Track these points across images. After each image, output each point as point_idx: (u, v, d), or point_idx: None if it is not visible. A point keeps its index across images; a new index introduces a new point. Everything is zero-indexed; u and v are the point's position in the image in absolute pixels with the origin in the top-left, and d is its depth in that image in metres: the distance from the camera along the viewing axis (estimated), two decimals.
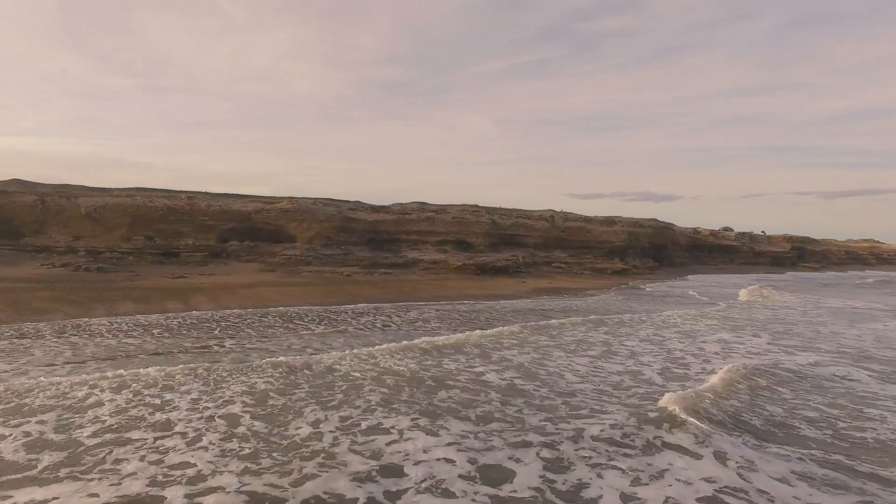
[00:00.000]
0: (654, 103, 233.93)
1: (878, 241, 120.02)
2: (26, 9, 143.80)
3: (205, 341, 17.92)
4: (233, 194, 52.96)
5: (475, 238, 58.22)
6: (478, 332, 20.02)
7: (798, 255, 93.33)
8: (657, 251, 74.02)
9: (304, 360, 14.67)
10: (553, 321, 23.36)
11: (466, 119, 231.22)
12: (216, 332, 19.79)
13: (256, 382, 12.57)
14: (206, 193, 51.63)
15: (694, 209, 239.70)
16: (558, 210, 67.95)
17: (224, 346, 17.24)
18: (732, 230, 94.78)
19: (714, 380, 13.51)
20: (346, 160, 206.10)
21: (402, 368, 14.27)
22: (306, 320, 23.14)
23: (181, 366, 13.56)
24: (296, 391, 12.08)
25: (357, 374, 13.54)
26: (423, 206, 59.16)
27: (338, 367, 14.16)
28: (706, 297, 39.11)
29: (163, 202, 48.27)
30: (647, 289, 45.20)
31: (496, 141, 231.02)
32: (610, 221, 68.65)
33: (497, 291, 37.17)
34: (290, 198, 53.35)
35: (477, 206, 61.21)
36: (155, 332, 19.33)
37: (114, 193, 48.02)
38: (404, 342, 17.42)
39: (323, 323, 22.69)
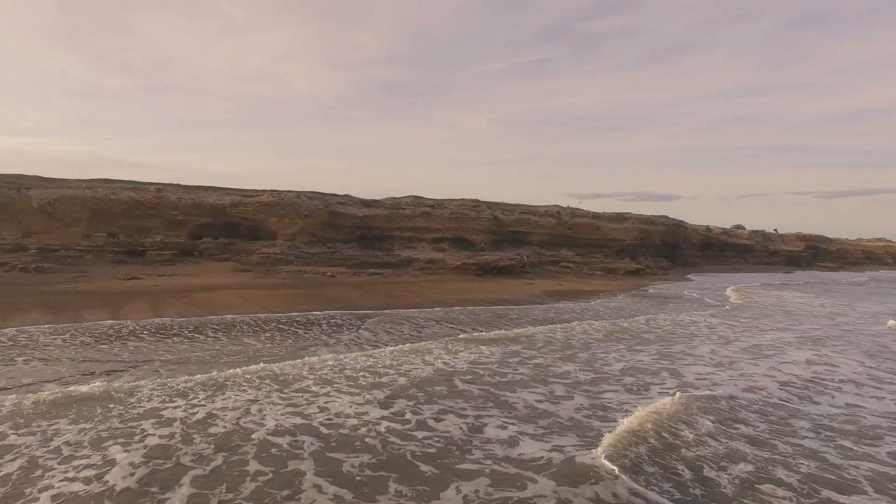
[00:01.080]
0: (653, 103, 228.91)
1: (890, 241, 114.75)
2: (26, 8, 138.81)
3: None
4: (208, 187, 47.55)
5: (475, 235, 52.81)
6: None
7: (813, 254, 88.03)
8: (669, 250, 68.62)
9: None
10: (591, 342, 17.94)
11: (466, 119, 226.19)
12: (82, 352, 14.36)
13: None
14: (177, 186, 46.19)
15: (693, 209, 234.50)
16: (564, 206, 62.51)
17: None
18: (744, 228, 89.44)
19: None
20: (346, 160, 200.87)
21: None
22: (249, 333, 17.81)
23: None
24: None
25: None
26: (418, 201, 53.75)
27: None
28: (739, 301, 33.73)
29: (128, 195, 42.79)
30: (668, 291, 39.78)
31: (496, 141, 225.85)
32: (620, 218, 63.27)
33: (502, 295, 31.75)
34: (272, 190, 47.92)
35: (477, 200, 55.81)
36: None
37: (72, 185, 42.51)
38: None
39: (265, 335, 17.30)
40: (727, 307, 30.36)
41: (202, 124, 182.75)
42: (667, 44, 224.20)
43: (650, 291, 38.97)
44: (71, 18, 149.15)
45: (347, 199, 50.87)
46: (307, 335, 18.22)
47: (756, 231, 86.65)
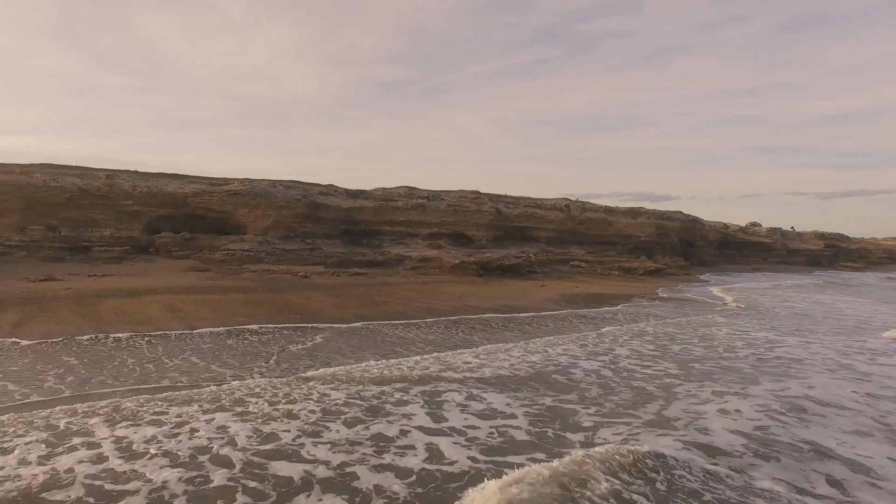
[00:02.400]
0: (649, 104, 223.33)
1: None
2: (23, 6, 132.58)
3: None
4: (169, 174, 40.99)
5: (476, 230, 46.32)
6: None
7: (834, 253, 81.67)
8: (685, 248, 62.24)
9: None
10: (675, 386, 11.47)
11: (463, 118, 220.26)
12: None
13: None
14: (132, 172, 39.62)
15: (692, 210, 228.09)
16: (573, 199, 56.07)
17: None
18: (760, 225, 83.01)
19: None
20: (343, 158, 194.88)
21: None
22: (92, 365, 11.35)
23: None
24: None
25: None
26: (411, 192, 47.23)
27: None
28: (801, 311, 27.30)
29: (72, 182, 36.23)
30: (699, 295, 33.33)
31: (492, 140, 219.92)
32: (634, 213, 56.82)
33: (511, 300, 25.26)
34: (243, 179, 41.38)
35: (478, 192, 49.31)
36: None
37: (3, 169, 35.90)
38: None
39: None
40: (786, 317, 23.92)
41: (199, 123, 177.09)
42: (662, 45, 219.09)
43: (686, 295, 32.49)
44: (68, 16, 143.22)
45: (331, 190, 44.34)
46: (166, 365, 11.74)
47: (774, 229, 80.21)
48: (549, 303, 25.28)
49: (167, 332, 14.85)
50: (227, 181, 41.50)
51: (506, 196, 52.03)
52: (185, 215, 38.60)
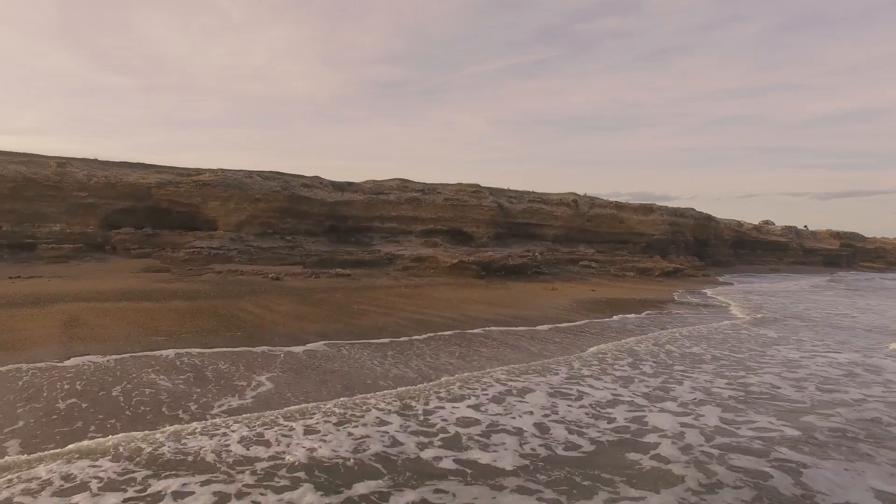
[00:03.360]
0: (649, 104, 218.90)
1: None
2: (23, 6, 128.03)
3: None
4: (132, 163, 36.28)
5: (476, 227, 41.65)
6: None
7: (851, 253, 77.09)
8: (698, 247, 57.60)
9: None
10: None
11: (463, 119, 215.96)
12: None
13: None
14: (89, 160, 34.88)
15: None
16: (581, 193, 51.38)
17: None
18: (773, 224, 78.41)
19: None
20: (342, 158, 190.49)
21: None
22: None
23: None
24: None
25: None
26: (405, 184, 42.52)
27: None
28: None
29: (16, 170, 31.50)
30: (730, 299, 28.70)
31: (492, 140, 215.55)
32: (646, 209, 52.14)
33: (521, 309, 20.57)
34: (217, 169, 36.67)
35: (478, 185, 44.64)
36: None
37: None
38: None
39: None
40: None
41: (199, 123, 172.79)
42: (662, 45, 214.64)
43: (717, 300, 27.83)
44: (68, 16, 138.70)
45: (316, 181, 39.63)
46: None
47: (789, 227, 75.61)
48: (566, 311, 20.60)
49: (17, 366, 10.15)
50: (198, 171, 36.78)
51: (508, 190, 47.37)
52: (148, 209, 33.89)
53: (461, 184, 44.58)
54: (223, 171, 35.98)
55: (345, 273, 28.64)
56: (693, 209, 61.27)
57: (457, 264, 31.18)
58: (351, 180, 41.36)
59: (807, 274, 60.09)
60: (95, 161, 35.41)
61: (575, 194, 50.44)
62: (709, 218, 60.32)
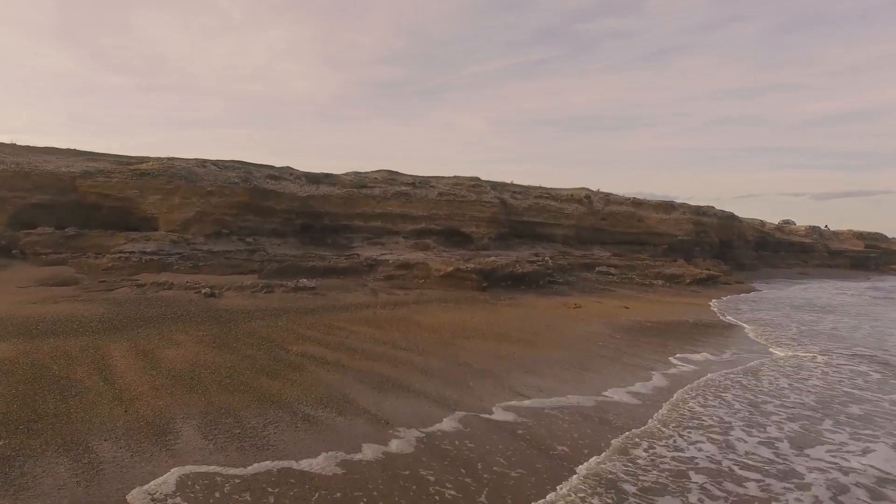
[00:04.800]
0: (649, 104, 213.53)
1: None
2: (23, 6, 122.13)
3: None
4: (62, 149, 29.69)
5: (475, 227, 35.18)
6: None
7: (879, 254, 70.97)
8: (721, 249, 51.33)
9: None
10: None
11: (463, 119, 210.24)
12: None
13: None
14: (5, 145, 28.23)
15: None
16: (594, 189, 44.97)
17: None
18: (794, 223, 72.19)
19: None
20: (342, 159, 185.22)
21: None
22: None
23: None
24: None
25: None
26: (392, 177, 35.94)
27: None
28: None
29: None
30: (812, 317, 22.30)
31: (492, 140, 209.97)
32: (667, 207, 45.77)
33: (545, 345, 14.04)
34: (164, 157, 30.08)
35: (478, 179, 38.16)
36: None
37: None
38: None
39: None
40: None
41: (199, 123, 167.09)
42: (662, 45, 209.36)
43: (783, 315, 21.42)
44: (68, 16, 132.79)
45: (285, 172, 33.07)
46: None
47: (812, 227, 69.39)
48: (611, 347, 14.10)
49: None
50: (143, 160, 30.18)
51: (512, 184, 40.89)
52: (72, 204, 27.29)
53: (458, 177, 38.10)
54: (171, 159, 29.41)
55: (309, 286, 22.08)
56: (712, 207, 54.97)
57: (452, 273, 24.70)
58: (330, 171, 34.81)
59: (839, 279, 53.87)
60: (13, 146, 28.72)
61: (587, 189, 44.01)
62: (732, 217, 54.00)
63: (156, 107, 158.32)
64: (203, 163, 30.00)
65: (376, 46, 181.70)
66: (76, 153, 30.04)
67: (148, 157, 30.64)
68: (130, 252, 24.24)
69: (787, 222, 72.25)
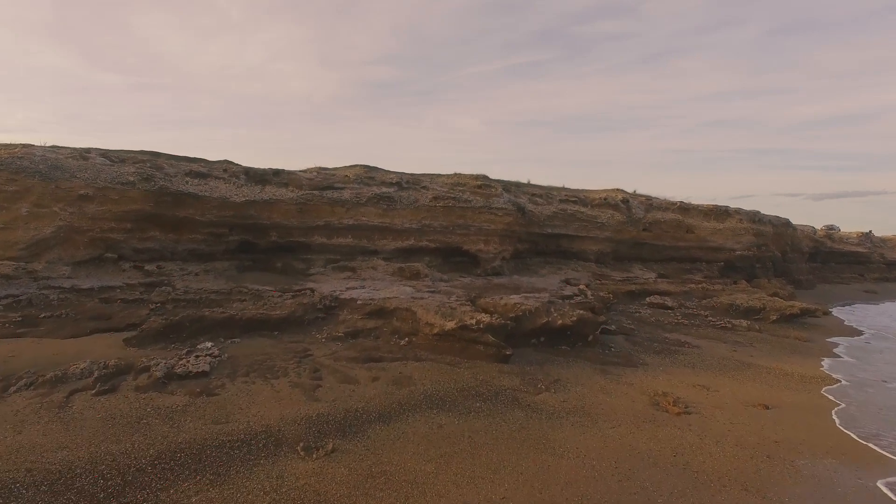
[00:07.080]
0: (643, 106, 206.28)
1: None
2: (18, 4, 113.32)
3: None
4: None
5: (484, 243, 25.54)
6: None
7: None
8: (776, 263, 41.95)
9: None
10: None
11: (458, 119, 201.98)
12: None
13: None
14: None
15: None
16: (630, 191, 35.33)
17: None
18: (839, 229, 62.81)
19: None
20: (338, 159, 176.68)
21: None
22: None
23: None
24: None
25: None
26: (369, 174, 26.14)
27: None
28: None
29: None
30: None
31: (487, 141, 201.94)
32: (721, 213, 36.18)
33: None
34: (15, 144, 20.31)
35: (486, 177, 28.44)
36: None
37: None
38: None
39: None
40: None
41: (194, 122, 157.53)
42: (658, 48, 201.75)
43: None
44: (64, 14, 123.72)
45: (217, 168, 23.27)
46: None
47: (865, 234, 60.04)
48: None
49: None
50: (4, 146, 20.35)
51: (530, 185, 31.18)
52: None
53: (459, 174, 28.38)
54: (27, 146, 19.62)
55: (202, 368, 12.24)
56: (758, 212, 45.41)
57: (454, 332, 14.94)
58: (282, 167, 24.99)
59: None
60: None
61: (622, 191, 34.34)
62: (787, 224, 44.48)
63: (151, 106, 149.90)
64: (86, 152, 20.20)
65: (373, 47, 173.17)
66: None
67: (14, 145, 20.81)
68: None
69: (831, 228, 62.82)
